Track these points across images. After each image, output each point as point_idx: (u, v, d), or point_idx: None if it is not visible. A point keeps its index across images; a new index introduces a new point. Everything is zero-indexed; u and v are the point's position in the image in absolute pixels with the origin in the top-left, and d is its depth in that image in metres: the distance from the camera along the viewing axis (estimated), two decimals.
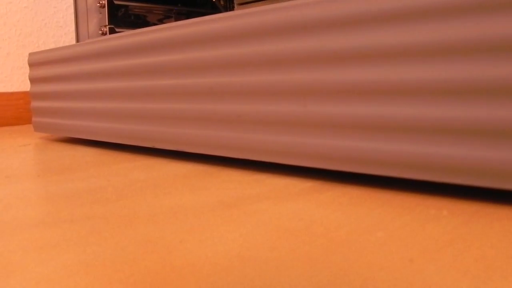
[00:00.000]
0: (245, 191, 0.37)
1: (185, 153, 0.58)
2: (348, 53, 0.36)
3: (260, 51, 0.42)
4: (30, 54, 0.80)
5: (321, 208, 0.32)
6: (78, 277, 0.22)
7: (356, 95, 0.36)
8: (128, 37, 0.57)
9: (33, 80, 0.80)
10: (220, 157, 0.54)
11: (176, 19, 0.91)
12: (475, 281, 0.20)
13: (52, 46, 1.22)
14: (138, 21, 0.86)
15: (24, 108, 1.16)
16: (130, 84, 0.57)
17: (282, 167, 0.46)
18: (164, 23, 0.89)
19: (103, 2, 0.82)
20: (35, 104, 0.80)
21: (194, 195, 0.37)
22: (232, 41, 0.45)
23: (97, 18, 0.84)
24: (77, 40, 0.90)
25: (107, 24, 0.82)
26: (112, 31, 0.82)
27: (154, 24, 0.88)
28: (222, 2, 0.92)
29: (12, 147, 0.72)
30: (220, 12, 0.82)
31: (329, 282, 0.20)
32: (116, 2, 0.82)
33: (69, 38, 1.25)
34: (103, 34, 0.83)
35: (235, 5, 0.68)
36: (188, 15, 0.93)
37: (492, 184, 0.31)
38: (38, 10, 1.19)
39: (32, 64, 0.79)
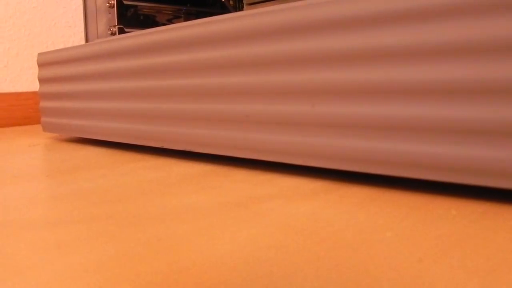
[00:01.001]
0: (254, 191, 0.37)
1: (194, 153, 0.58)
2: (356, 53, 0.36)
3: (269, 51, 0.42)
4: (39, 54, 0.80)
5: (330, 208, 0.32)
6: (87, 277, 0.22)
7: (364, 95, 0.36)
8: (137, 37, 0.57)
9: (42, 80, 0.80)
10: (228, 157, 0.54)
11: (185, 19, 0.92)
12: (483, 281, 0.20)
13: (61, 46, 1.22)
14: (147, 21, 0.87)
15: (33, 108, 1.17)
16: (139, 84, 0.57)
17: (290, 167, 0.46)
18: (173, 23, 0.89)
19: (112, 2, 0.82)
20: (44, 104, 0.80)
21: (203, 195, 0.37)
22: (241, 41, 0.45)
23: (106, 18, 0.85)
24: (86, 40, 0.91)
25: (116, 24, 0.83)
26: (121, 31, 0.83)
27: (163, 24, 0.88)
28: (231, 2, 0.93)
29: (21, 147, 0.73)
30: (229, 12, 0.82)
31: (338, 282, 0.20)
32: (125, 2, 0.83)
33: (78, 38, 1.26)
34: (112, 34, 0.83)
35: (245, 5, 0.68)
36: (197, 15, 0.94)
37: (501, 184, 0.30)
38: (47, 10, 1.20)
39: (41, 64, 0.80)
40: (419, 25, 0.33)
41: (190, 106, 0.50)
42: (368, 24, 0.36)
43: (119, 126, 0.61)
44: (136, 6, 0.84)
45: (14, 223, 0.31)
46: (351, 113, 0.37)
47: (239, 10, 0.93)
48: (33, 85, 1.18)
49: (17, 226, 0.30)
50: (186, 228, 0.28)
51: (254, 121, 0.44)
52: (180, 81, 0.51)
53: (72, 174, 0.47)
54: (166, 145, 0.54)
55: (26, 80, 1.17)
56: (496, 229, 0.26)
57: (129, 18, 0.84)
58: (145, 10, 0.86)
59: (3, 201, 0.37)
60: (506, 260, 0.22)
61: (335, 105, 0.38)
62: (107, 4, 0.84)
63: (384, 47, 0.35)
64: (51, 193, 0.39)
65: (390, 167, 0.35)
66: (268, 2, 0.63)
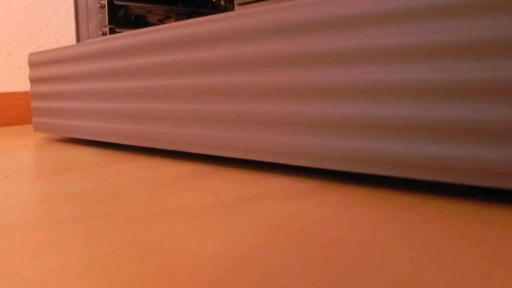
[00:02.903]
0: (245, 191, 0.37)
1: (185, 153, 0.58)
2: (348, 53, 0.36)
3: (260, 51, 0.42)
4: (30, 55, 0.80)
5: (322, 208, 0.32)
6: (78, 277, 0.22)
7: (356, 95, 0.36)
8: (128, 37, 0.57)
9: (33, 80, 0.80)
10: (220, 157, 0.54)
11: (177, 20, 0.91)
12: (475, 281, 0.20)
13: (52, 46, 1.22)
14: (138, 22, 0.86)
15: (24, 108, 1.16)
16: (130, 84, 0.57)
17: (282, 167, 0.46)
18: (164, 23, 0.89)
19: (103, 2, 0.82)
20: (35, 104, 0.80)
21: (195, 195, 0.37)
22: (232, 41, 0.45)
23: (97, 18, 0.84)
24: (78, 40, 0.91)
25: (107, 24, 0.82)
26: (112, 31, 0.82)
27: (154, 25, 0.88)
28: (222, 3, 0.92)
29: (12, 147, 0.72)
30: (220, 12, 0.82)
31: (329, 283, 0.20)
32: (116, 2, 0.82)
33: (70, 38, 1.25)
34: (104, 34, 0.83)
35: (235, 5, 0.68)
36: (189, 16, 0.93)
37: (493, 184, 0.30)
38: (39, 10, 1.19)
39: (32, 65, 0.79)
40: (413, 25, 0.33)
41: (181, 106, 0.50)
42: (362, 24, 0.36)
43: (111, 126, 0.61)
44: (127, 6, 0.84)
45: (5, 223, 0.30)
46: (343, 113, 0.37)
47: (230, 10, 0.93)
48: (25, 85, 1.18)
49: (8, 226, 0.30)
50: (178, 228, 0.28)
51: (246, 121, 0.44)
52: (172, 81, 0.51)
53: (63, 174, 0.47)
54: (157, 145, 0.54)
55: (18, 80, 1.17)
56: (488, 229, 0.27)
57: (120, 18, 0.84)
58: (136, 10, 0.86)
59: None
60: (499, 260, 0.22)
61: (328, 105, 0.38)
62: (98, 4, 0.83)
63: (378, 46, 0.35)
64: (43, 193, 0.39)
65: (382, 167, 0.35)
66: (259, 2, 0.63)
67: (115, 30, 0.83)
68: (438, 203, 0.32)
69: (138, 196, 0.37)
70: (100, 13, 0.83)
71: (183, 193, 0.37)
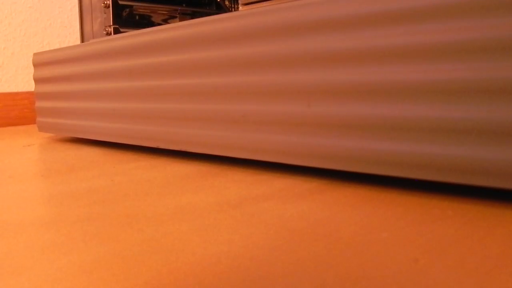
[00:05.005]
0: (249, 191, 0.37)
1: (189, 153, 0.58)
2: (352, 53, 0.36)
3: (264, 51, 0.42)
4: (34, 54, 0.80)
5: (325, 209, 0.32)
6: (82, 277, 0.22)
7: (360, 95, 0.36)
8: (133, 37, 0.57)
9: (37, 80, 0.80)
10: (224, 157, 0.54)
11: (181, 19, 0.91)
12: (480, 281, 0.20)
13: (56, 46, 1.22)
14: (143, 21, 0.86)
15: (28, 108, 1.17)
16: (135, 84, 0.57)
17: (286, 167, 0.46)
18: (168, 23, 0.89)
19: (108, 2, 0.82)
20: (39, 104, 0.80)
21: (198, 195, 0.37)
22: (236, 41, 0.45)
23: (102, 18, 0.85)
24: (82, 40, 0.91)
25: (111, 24, 0.82)
26: (116, 31, 0.82)
27: (159, 24, 0.88)
28: (227, 2, 0.92)
29: (17, 147, 0.72)
30: (224, 12, 0.82)
31: (333, 283, 0.20)
32: (120, 2, 0.83)
33: (74, 38, 1.25)
34: (108, 34, 0.83)
35: (240, 5, 0.68)
36: (193, 15, 0.93)
37: (497, 184, 0.30)
38: (43, 10, 1.20)
39: (36, 64, 0.79)
40: (416, 25, 0.33)
41: (186, 106, 0.50)
42: (365, 24, 0.36)
43: (115, 126, 0.61)
44: (131, 6, 0.84)
45: (9, 223, 0.31)
46: (347, 113, 0.37)
47: (235, 10, 0.93)
48: (29, 85, 1.18)
49: (13, 226, 0.30)
50: (182, 228, 0.28)
51: (250, 121, 0.44)
52: (176, 81, 0.51)
53: (67, 174, 0.47)
54: (161, 145, 0.54)
55: (22, 80, 1.17)
56: (492, 229, 0.26)
57: (125, 18, 0.84)
58: (140, 10, 0.86)
59: None
60: (503, 260, 0.22)
61: (331, 105, 0.38)
62: (103, 4, 0.83)
63: (381, 47, 0.35)
64: (47, 193, 0.39)
65: (386, 167, 0.35)
66: (263, 2, 0.63)
67: (119, 30, 0.83)
68: (443, 203, 0.32)
69: (142, 196, 0.37)
70: (105, 13, 0.84)
71: (187, 193, 0.38)
